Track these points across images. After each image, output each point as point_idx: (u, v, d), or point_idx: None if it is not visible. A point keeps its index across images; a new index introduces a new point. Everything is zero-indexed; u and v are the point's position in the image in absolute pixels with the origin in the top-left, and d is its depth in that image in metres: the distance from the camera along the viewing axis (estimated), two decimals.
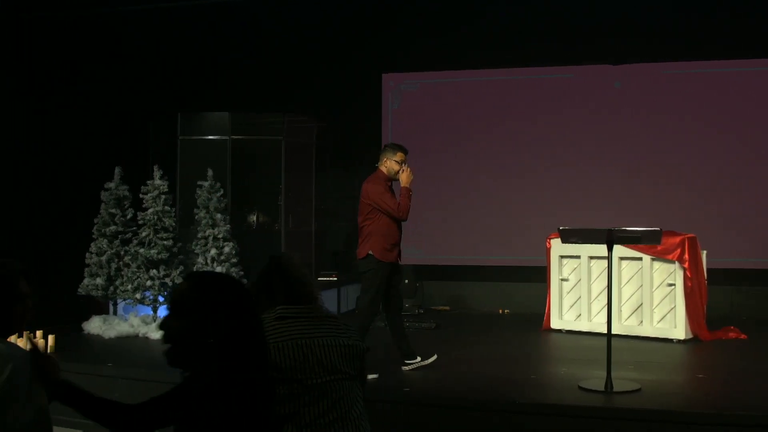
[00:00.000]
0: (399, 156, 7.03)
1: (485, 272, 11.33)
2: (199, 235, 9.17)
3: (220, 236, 9.11)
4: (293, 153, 10.60)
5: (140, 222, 9.11)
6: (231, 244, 9.14)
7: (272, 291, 3.45)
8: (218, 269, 8.97)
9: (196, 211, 9.28)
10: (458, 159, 11.32)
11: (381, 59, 11.49)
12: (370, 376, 6.60)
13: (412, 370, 6.92)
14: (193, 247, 9.19)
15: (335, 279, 10.64)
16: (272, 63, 11.33)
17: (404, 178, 6.93)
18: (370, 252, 6.96)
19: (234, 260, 9.12)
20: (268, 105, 10.89)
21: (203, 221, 9.17)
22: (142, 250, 8.95)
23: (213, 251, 9.04)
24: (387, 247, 7.00)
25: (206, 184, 9.25)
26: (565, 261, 9.25)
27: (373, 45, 11.30)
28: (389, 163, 7.04)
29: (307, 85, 11.29)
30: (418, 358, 7.00)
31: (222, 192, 9.32)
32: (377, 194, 6.98)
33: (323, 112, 11.13)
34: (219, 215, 9.18)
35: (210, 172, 9.26)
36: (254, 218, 10.48)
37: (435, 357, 7.06)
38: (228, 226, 9.23)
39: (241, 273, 9.13)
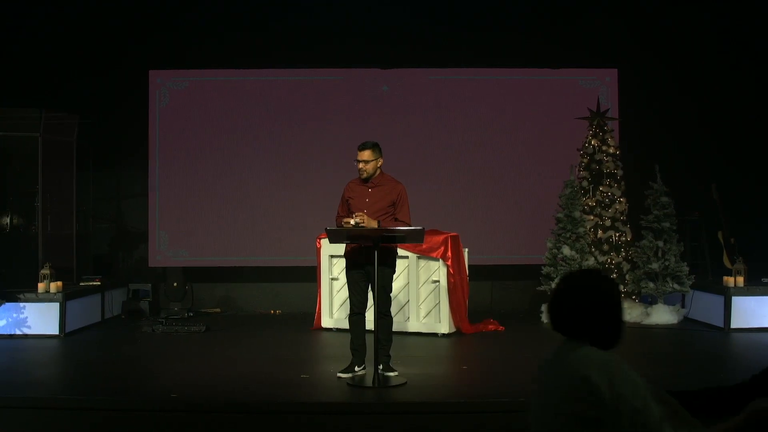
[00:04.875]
0: (358, 154, 6.70)
1: (256, 273, 11.27)
2: None
3: None
4: (52, 151, 9.98)
5: None
6: None
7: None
8: None
9: None
10: (227, 159, 11.17)
11: (148, 55, 11.09)
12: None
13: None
14: None
15: (98, 284, 10.13)
16: (30, 54, 10.63)
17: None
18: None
19: None
20: (23, 99, 10.16)
21: None
22: None
23: None
24: (348, 247, 6.71)
25: None
26: (335, 260, 9.35)
27: (140, 40, 10.90)
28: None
29: (68, 80, 10.69)
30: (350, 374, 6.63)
31: None
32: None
33: (86, 108, 10.56)
34: None
35: None
36: (7, 220, 9.75)
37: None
38: None
39: None
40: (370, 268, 6.48)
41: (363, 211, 6.54)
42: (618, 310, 2.91)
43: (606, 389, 2.66)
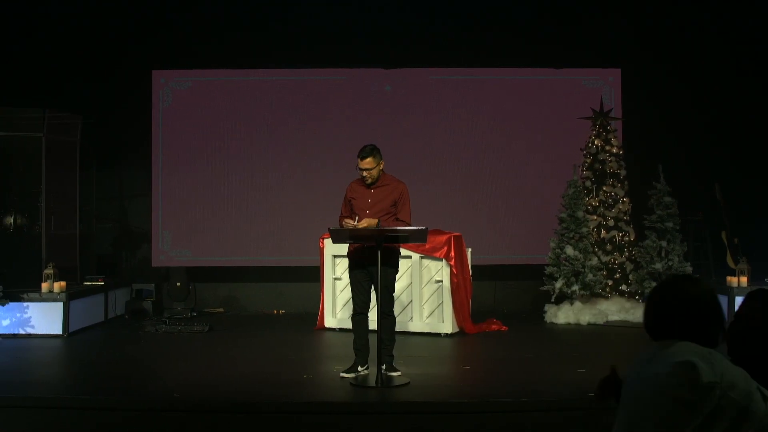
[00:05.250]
0: (359, 163, 6.66)
1: (259, 273, 11.28)
2: None
3: None
4: (55, 151, 9.99)
5: None
6: None
7: None
8: None
9: None
10: (230, 159, 11.17)
11: (152, 55, 11.10)
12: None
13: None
14: None
15: (102, 284, 10.14)
16: (33, 54, 10.64)
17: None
18: None
19: None
20: (26, 99, 10.16)
21: None
22: None
23: None
24: (351, 248, 6.73)
25: None
26: (338, 260, 9.34)
27: (143, 40, 10.92)
28: None
29: (71, 80, 10.70)
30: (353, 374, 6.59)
31: None
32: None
33: (90, 108, 10.55)
34: None
35: None
36: (11, 220, 9.76)
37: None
38: None
39: None
40: (372, 268, 6.50)
41: (366, 212, 6.57)
42: (719, 311, 2.95)
43: (707, 373, 2.67)
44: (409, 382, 6.29)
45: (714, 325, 2.92)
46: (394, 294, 6.71)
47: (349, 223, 6.48)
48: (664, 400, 2.71)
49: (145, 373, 7.11)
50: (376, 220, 6.50)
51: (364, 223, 6.46)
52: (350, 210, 6.75)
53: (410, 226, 6.58)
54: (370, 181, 6.67)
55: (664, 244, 9.72)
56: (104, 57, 10.82)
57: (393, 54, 11.12)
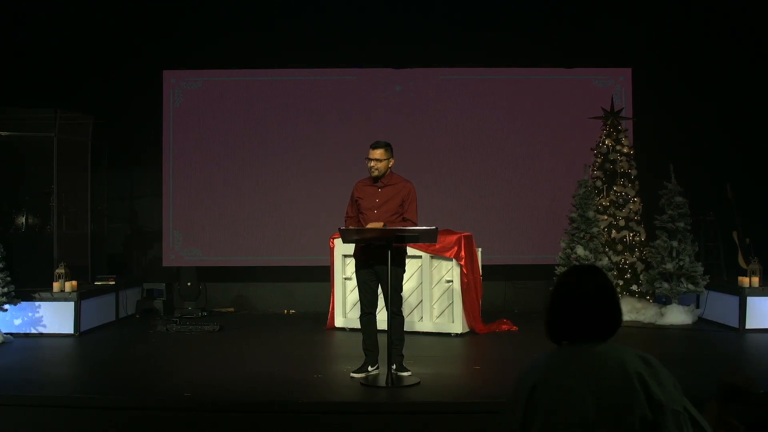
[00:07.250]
0: (369, 153, 6.70)
1: (269, 273, 11.29)
2: None
3: None
4: (67, 151, 10.02)
5: None
6: None
7: None
8: None
9: None
10: (241, 159, 11.19)
11: (162, 55, 11.13)
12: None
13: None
14: None
15: (113, 283, 10.17)
16: (44, 54, 10.68)
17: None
18: None
19: (0, 265, 8.49)
20: (37, 99, 10.20)
21: None
22: None
23: None
24: (356, 248, 6.74)
25: None
26: (348, 260, 9.33)
27: (154, 40, 10.94)
28: None
29: (83, 80, 10.74)
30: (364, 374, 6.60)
31: None
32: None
33: (101, 108, 10.58)
34: None
35: None
36: (23, 220, 9.80)
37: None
38: None
39: (9, 278, 8.51)
40: (378, 268, 6.51)
41: (374, 212, 6.59)
42: (618, 301, 2.86)
43: (657, 391, 2.58)
44: (419, 382, 6.30)
45: (618, 312, 2.83)
46: (402, 293, 6.71)
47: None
48: (628, 418, 2.57)
49: (155, 372, 7.13)
50: (382, 224, 6.49)
51: (372, 226, 6.46)
52: (356, 210, 6.75)
53: (416, 225, 6.58)
54: (376, 173, 6.65)
55: (675, 244, 9.69)
56: (115, 57, 10.85)
57: (403, 54, 11.12)
